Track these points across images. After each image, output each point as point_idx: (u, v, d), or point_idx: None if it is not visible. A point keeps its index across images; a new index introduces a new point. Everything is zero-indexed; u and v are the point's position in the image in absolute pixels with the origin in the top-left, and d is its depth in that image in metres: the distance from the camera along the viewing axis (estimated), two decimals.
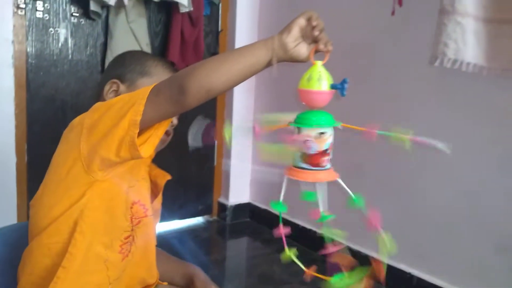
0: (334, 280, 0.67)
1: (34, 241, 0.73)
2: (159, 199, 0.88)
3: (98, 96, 0.85)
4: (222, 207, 2.55)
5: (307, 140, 0.66)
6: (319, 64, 0.67)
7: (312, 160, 0.66)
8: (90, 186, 0.70)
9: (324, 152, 0.67)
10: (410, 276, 1.70)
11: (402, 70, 1.74)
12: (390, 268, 2.00)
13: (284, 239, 0.68)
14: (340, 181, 0.68)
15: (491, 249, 1.49)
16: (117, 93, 0.82)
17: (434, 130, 1.62)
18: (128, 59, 0.88)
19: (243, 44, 2.34)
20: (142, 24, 2.11)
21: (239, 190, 2.54)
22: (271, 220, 2.55)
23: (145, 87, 0.67)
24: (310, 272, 0.69)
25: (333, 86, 0.66)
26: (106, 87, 0.82)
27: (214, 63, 0.66)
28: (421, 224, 1.69)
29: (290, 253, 0.68)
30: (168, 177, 0.87)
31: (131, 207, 0.74)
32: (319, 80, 0.66)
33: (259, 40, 0.67)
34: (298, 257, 0.69)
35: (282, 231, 0.69)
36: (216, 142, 2.55)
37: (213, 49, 2.46)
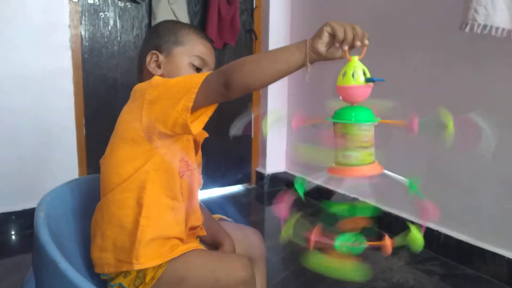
0: (338, 242, 0.65)
1: (109, 195, 0.85)
2: (199, 154, 0.99)
3: (141, 66, 0.93)
4: (260, 176, 2.71)
5: (347, 136, 0.65)
6: (355, 59, 0.67)
7: (354, 156, 0.65)
8: (152, 152, 0.81)
9: (366, 146, 0.65)
10: (438, 234, 1.78)
11: (431, 38, 1.79)
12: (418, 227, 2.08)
13: (282, 220, 0.67)
14: (387, 172, 0.67)
15: None
16: (157, 62, 0.91)
17: (465, 95, 1.68)
18: (162, 30, 0.94)
19: (277, 20, 2.51)
20: (182, 4, 2.25)
21: (276, 160, 2.68)
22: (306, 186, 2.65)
23: (197, 75, 0.75)
24: (311, 243, 0.67)
25: (368, 80, 0.66)
26: (147, 58, 0.91)
27: (252, 66, 0.71)
28: (448, 185, 1.76)
29: (287, 233, 0.68)
30: (206, 135, 0.98)
31: (179, 164, 0.87)
32: (355, 76, 0.65)
33: (292, 44, 0.70)
34: (300, 225, 0.67)
35: (283, 212, 0.68)
36: (252, 115, 2.70)
37: (249, 26, 2.57)
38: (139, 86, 0.83)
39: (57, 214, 0.87)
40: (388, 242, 0.66)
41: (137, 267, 0.81)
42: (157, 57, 0.91)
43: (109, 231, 0.85)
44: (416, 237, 0.66)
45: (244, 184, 2.74)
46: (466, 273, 1.66)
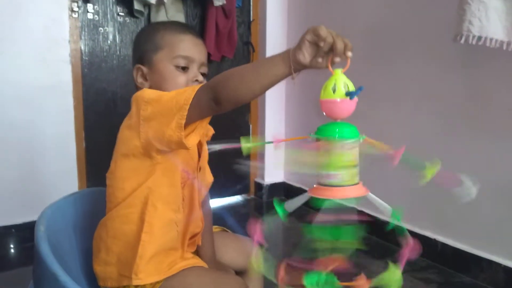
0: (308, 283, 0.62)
1: (114, 210, 0.86)
2: (204, 155, 0.98)
3: (134, 82, 0.91)
4: (259, 186, 2.73)
5: (330, 153, 0.61)
6: (338, 72, 0.63)
7: (337, 175, 0.61)
8: (153, 168, 0.82)
9: (350, 165, 0.62)
10: (435, 242, 1.80)
11: (426, 48, 1.82)
12: (416, 235, 2.12)
13: (255, 241, 0.64)
14: (371, 196, 0.64)
15: (508, 214, 1.57)
16: (143, 76, 0.89)
17: (458, 106, 1.70)
18: (140, 39, 0.92)
19: (273, 33, 2.54)
20: (180, 19, 2.28)
21: (274, 171, 2.70)
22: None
23: (188, 90, 0.73)
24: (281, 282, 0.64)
25: (347, 94, 0.62)
26: (134, 73, 0.90)
27: (236, 81, 0.69)
28: (444, 193, 1.77)
29: (257, 264, 0.66)
30: (211, 132, 0.96)
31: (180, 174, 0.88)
32: (335, 89, 0.62)
33: (276, 55, 0.68)
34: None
35: (257, 234, 0.65)
36: (251, 127, 2.73)
37: (246, 38, 2.61)
38: (135, 96, 0.82)
39: (58, 228, 0.89)
40: (362, 282, 0.63)
41: (135, 282, 0.82)
42: (141, 70, 0.90)
43: (114, 246, 0.86)
44: (394, 278, 0.63)
45: (243, 195, 2.76)
46: (463, 281, 1.67)
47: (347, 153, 0.61)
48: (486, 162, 1.63)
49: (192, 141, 0.74)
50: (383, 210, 0.64)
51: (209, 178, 1.05)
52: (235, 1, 2.44)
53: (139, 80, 0.90)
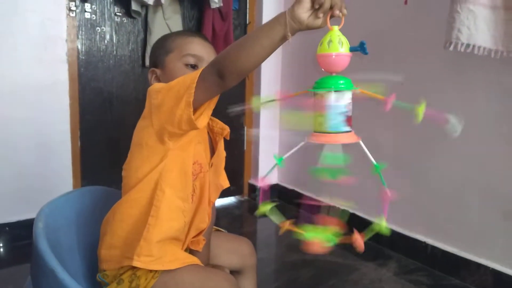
0: (307, 232, 0.67)
1: (125, 196, 0.88)
2: (217, 155, 1.00)
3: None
4: (252, 188, 2.75)
5: (326, 104, 0.67)
6: (335, 28, 0.68)
7: (332, 123, 0.67)
8: (165, 154, 0.84)
9: (343, 115, 0.68)
10: (425, 245, 1.83)
11: (416, 55, 1.86)
12: (406, 238, 2.17)
13: (261, 193, 0.70)
14: (361, 143, 0.69)
15: (499, 216, 1.60)
16: (157, 78, 0.95)
17: (448, 109, 1.74)
18: (154, 48, 0.99)
19: None
20: (177, 20, 2.30)
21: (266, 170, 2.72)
22: (297, 198, 2.69)
23: (194, 72, 0.77)
24: (284, 225, 0.70)
25: (352, 49, 0.68)
26: (149, 76, 0.97)
27: (238, 51, 0.72)
28: (434, 197, 1.81)
29: (264, 208, 0.69)
30: (226, 130, 0.99)
31: (192, 166, 0.90)
32: (337, 44, 0.67)
33: (272, 19, 0.70)
34: (275, 213, 0.69)
35: (262, 183, 0.72)
36: (245, 128, 2.75)
37: None
38: (148, 90, 0.86)
39: (56, 225, 0.90)
40: (358, 236, 0.68)
41: (136, 263, 0.83)
42: (155, 72, 0.96)
43: (120, 230, 0.88)
44: (382, 226, 0.69)
45: (237, 196, 2.77)
46: (452, 283, 1.70)
47: (341, 102, 0.67)
48: (477, 165, 1.67)
49: (201, 122, 0.78)
50: (369, 159, 0.70)
51: (223, 182, 1.07)
52: (232, 4, 2.45)
53: (154, 81, 0.95)
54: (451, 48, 1.56)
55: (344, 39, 0.68)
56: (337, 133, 0.68)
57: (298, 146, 0.72)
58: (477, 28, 1.56)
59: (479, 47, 1.56)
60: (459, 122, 0.70)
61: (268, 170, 0.74)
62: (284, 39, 0.69)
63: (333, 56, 0.67)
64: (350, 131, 0.69)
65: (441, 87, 1.77)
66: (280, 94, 0.75)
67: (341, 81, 0.68)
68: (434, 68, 1.80)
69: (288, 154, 0.73)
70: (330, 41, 0.68)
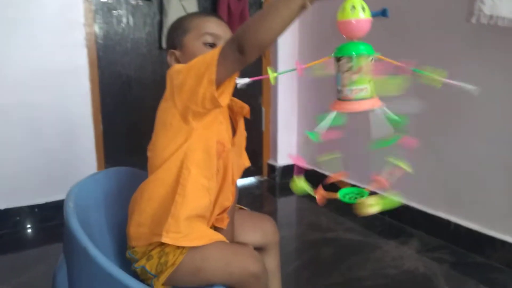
0: (342, 193, 0.72)
1: (152, 175, 0.90)
2: (239, 135, 1.02)
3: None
4: (272, 168, 2.76)
5: (346, 70, 0.67)
6: None
7: (355, 90, 0.68)
8: (189, 134, 0.86)
9: (365, 82, 0.68)
10: (448, 222, 1.81)
11: (438, 29, 1.80)
12: (429, 216, 2.15)
13: (296, 169, 0.73)
14: (385, 109, 0.71)
15: None
16: (177, 59, 0.95)
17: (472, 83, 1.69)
18: (172, 29, 1.00)
19: None
20: (192, 1, 2.27)
21: (287, 153, 2.71)
22: (317, 178, 2.68)
23: (214, 50, 0.77)
24: (320, 192, 0.74)
25: (374, 13, 0.69)
26: (168, 58, 0.97)
27: (257, 23, 0.72)
28: (457, 175, 1.79)
29: (300, 183, 0.73)
30: (246, 109, 1.00)
31: (216, 146, 0.91)
32: (357, 9, 0.68)
33: None
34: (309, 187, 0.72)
35: (298, 160, 0.74)
36: (264, 110, 2.74)
37: None
38: (168, 72, 0.87)
39: (85, 204, 0.93)
40: (380, 178, 0.72)
41: (165, 239, 0.85)
42: (174, 54, 0.97)
43: (148, 208, 0.90)
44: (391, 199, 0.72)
45: (256, 176, 2.79)
46: (476, 261, 1.69)
47: (363, 68, 0.68)
48: (501, 143, 1.63)
49: (224, 99, 0.79)
50: (393, 118, 0.72)
51: (245, 161, 1.09)
52: None
53: (173, 63, 0.96)
54: (474, 20, 1.51)
55: (365, 5, 0.69)
56: (360, 100, 0.69)
57: (330, 116, 0.73)
58: None
59: (503, 18, 1.51)
60: (471, 85, 0.71)
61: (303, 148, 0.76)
62: (303, 8, 0.70)
63: (355, 22, 0.68)
64: (372, 97, 0.70)
65: (464, 62, 1.72)
66: (299, 65, 0.75)
67: (362, 47, 0.69)
68: (457, 42, 1.74)
69: (320, 126, 0.73)
70: (353, 7, 0.68)
